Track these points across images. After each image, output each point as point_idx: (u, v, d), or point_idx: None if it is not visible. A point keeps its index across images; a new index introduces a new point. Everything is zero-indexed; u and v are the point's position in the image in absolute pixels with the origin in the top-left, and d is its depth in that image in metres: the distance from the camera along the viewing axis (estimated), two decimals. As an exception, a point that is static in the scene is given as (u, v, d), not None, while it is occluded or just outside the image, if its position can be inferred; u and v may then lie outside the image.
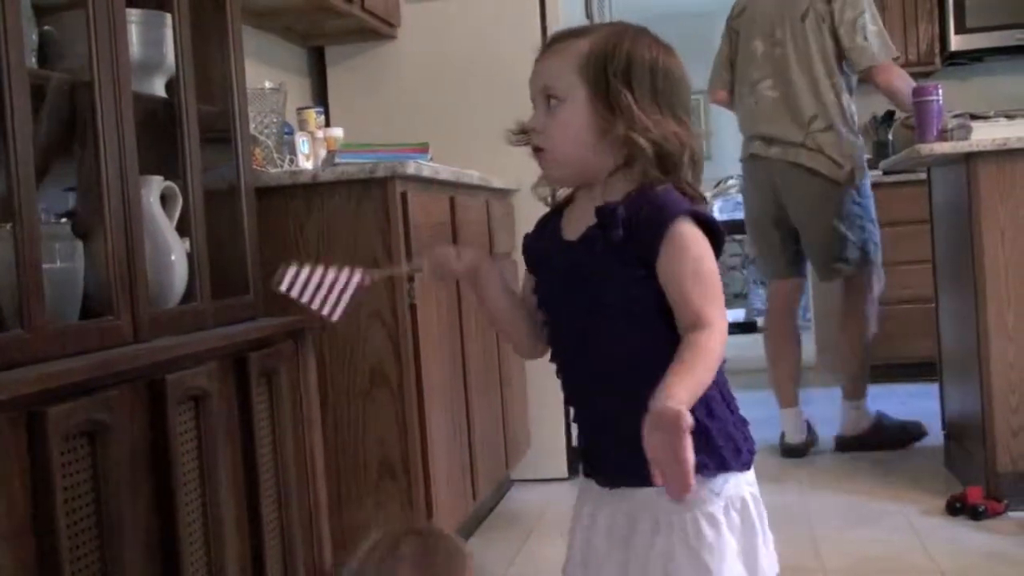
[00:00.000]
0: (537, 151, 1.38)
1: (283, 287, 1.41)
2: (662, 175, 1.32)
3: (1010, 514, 2.82)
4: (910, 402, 3.94)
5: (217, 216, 2.07)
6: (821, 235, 3.65)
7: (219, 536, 1.79)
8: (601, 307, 1.32)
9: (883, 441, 3.70)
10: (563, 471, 3.51)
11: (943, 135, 3.08)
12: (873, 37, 3.53)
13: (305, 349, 2.19)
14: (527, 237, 1.48)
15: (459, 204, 2.70)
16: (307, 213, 2.32)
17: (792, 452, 3.72)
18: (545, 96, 1.35)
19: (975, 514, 2.83)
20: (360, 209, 2.29)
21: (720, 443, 1.34)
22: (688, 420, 1.15)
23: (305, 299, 1.41)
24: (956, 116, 3.12)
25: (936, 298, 3.49)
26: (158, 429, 1.66)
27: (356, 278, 1.41)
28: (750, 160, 3.75)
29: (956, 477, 3.25)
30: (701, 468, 1.24)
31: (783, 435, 3.75)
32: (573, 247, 1.36)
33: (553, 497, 3.37)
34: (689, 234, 1.29)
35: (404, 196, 2.32)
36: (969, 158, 2.86)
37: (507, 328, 1.47)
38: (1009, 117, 3.02)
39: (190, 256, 1.97)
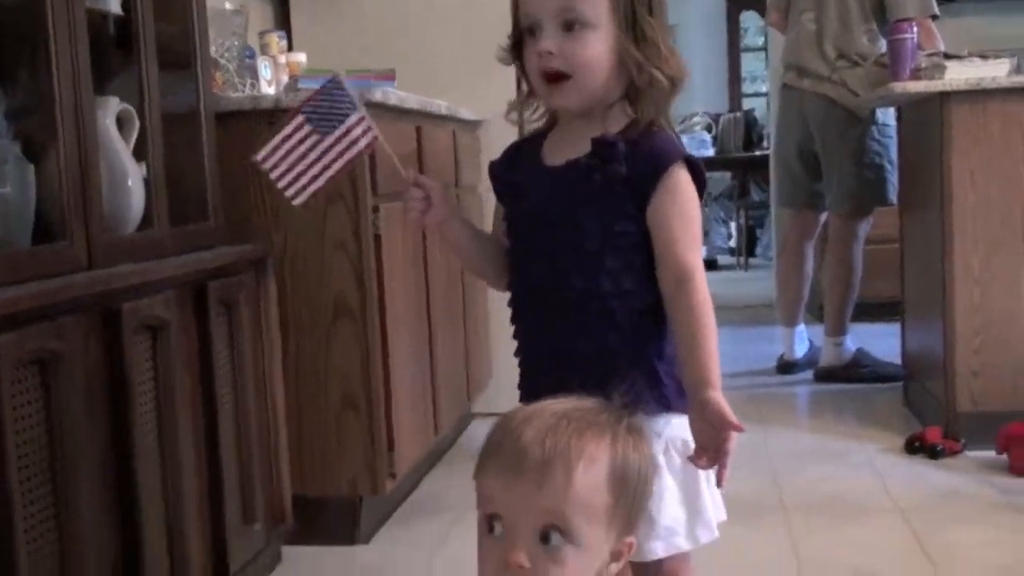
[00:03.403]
0: (556, 77, 1.29)
1: (259, 156, 1.35)
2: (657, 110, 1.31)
3: (967, 453, 2.84)
4: (870, 341, 3.96)
5: (175, 141, 2.00)
6: (839, 167, 3.71)
7: (176, 470, 1.76)
8: (582, 236, 1.29)
9: (860, 376, 3.79)
10: (525, 405, 3.49)
11: (916, 74, 3.05)
12: None
13: (266, 279, 2.14)
14: (494, 165, 1.44)
15: (426, 134, 2.64)
16: (269, 139, 2.24)
17: (786, 368, 3.99)
18: (562, 19, 1.27)
19: (933, 453, 2.85)
20: (324, 136, 2.22)
21: (665, 382, 1.32)
22: (736, 422, 1.20)
23: (275, 175, 1.35)
24: (930, 55, 3.09)
25: (901, 239, 3.49)
26: (114, 359, 1.61)
27: (358, 146, 1.35)
28: (784, 89, 3.91)
29: (914, 416, 3.28)
30: (644, 406, 1.25)
31: (782, 354, 4.03)
32: (558, 173, 1.33)
33: (515, 431, 3.36)
34: (684, 180, 1.30)
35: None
36: (942, 97, 2.83)
37: (480, 268, 1.44)
38: (983, 57, 2.98)
39: (147, 181, 1.91)
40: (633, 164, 1.28)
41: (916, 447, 2.90)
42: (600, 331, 1.30)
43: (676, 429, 1.31)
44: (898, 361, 3.63)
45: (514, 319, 1.39)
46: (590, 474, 0.95)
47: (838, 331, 3.86)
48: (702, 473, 1.32)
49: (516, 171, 1.39)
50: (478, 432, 3.32)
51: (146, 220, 1.90)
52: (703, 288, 1.27)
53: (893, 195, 3.67)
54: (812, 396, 3.74)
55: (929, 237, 3.07)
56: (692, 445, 1.31)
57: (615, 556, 0.99)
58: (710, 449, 1.25)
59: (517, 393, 3.67)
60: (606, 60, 1.29)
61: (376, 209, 2.28)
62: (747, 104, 8.60)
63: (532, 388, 1.36)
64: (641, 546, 1.25)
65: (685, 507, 1.31)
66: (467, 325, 3.09)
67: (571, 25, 1.27)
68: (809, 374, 3.93)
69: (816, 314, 4.34)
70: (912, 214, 3.36)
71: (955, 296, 2.86)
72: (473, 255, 1.44)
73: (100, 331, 1.59)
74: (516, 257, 1.39)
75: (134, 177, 1.88)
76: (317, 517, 2.30)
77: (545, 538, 0.94)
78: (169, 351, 1.75)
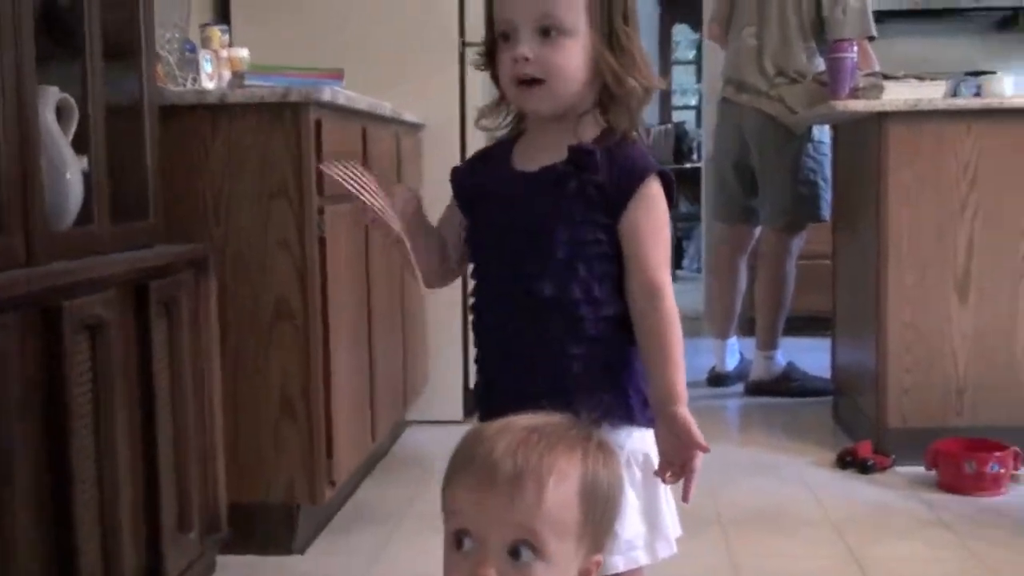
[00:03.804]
0: (531, 82, 1.28)
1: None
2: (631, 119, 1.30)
3: (897, 469, 2.89)
4: (799, 355, 4.01)
5: (117, 134, 1.93)
6: (775, 182, 3.76)
7: (113, 473, 1.70)
8: (552, 243, 1.27)
9: (790, 390, 3.84)
10: (459, 414, 3.47)
11: (855, 93, 3.10)
12: (852, 12, 3.60)
13: (206, 278, 2.09)
14: (458, 170, 1.42)
15: (371, 135, 2.60)
16: (213, 135, 2.19)
17: (717, 380, 4.02)
18: (540, 25, 1.26)
19: (864, 468, 2.89)
20: (271, 134, 2.17)
21: (631, 394, 1.32)
22: (702, 441, 1.23)
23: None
24: (868, 75, 3.14)
25: (834, 255, 3.54)
26: (52, 359, 1.54)
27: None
28: (722, 103, 3.92)
29: (843, 431, 3.32)
30: (608, 418, 1.23)
31: (713, 366, 4.06)
32: (531, 178, 1.31)
33: (449, 440, 3.31)
34: (657, 194, 1.29)
35: (319, 124, 2.21)
36: (880, 117, 2.88)
37: (419, 260, 1.38)
38: (919, 79, 3.04)
39: (87, 175, 1.84)
40: (608, 174, 1.27)
41: (847, 461, 2.94)
42: (567, 340, 1.29)
43: (638, 442, 1.31)
44: (827, 375, 3.69)
45: (476, 327, 1.37)
46: (560, 490, 0.93)
47: (769, 345, 3.90)
48: (662, 488, 1.32)
49: (482, 177, 1.36)
50: (413, 440, 3.29)
51: (84, 215, 1.83)
52: (671, 303, 1.28)
53: (826, 212, 3.72)
54: (743, 409, 3.78)
55: (862, 254, 3.11)
56: (654, 459, 1.31)
57: (583, 574, 0.97)
58: (675, 464, 1.25)
59: (451, 400, 3.66)
60: (582, 67, 1.28)
61: (321, 211, 2.23)
62: (677, 116, 8.68)
63: (493, 397, 1.34)
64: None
65: (645, 521, 1.30)
66: (405, 330, 3.05)
67: (548, 31, 1.26)
68: (740, 387, 3.96)
69: (746, 327, 4.38)
70: (845, 231, 3.41)
71: (887, 313, 2.91)
72: (423, 243, 1.38)
73: (39, 330, 1.52)
74: (480, 264, 1.36)
75: (73, 170, 1.81)
76: (253, 525, 2.24)
77: (515, 553, 0.92)
78: (108, 352, 1.68)
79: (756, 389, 3.88)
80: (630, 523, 1.28)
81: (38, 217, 1.61)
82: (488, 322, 1.36)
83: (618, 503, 1.00)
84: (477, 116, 1.40)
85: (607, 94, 1.30)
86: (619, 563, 1.28)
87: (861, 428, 3.12)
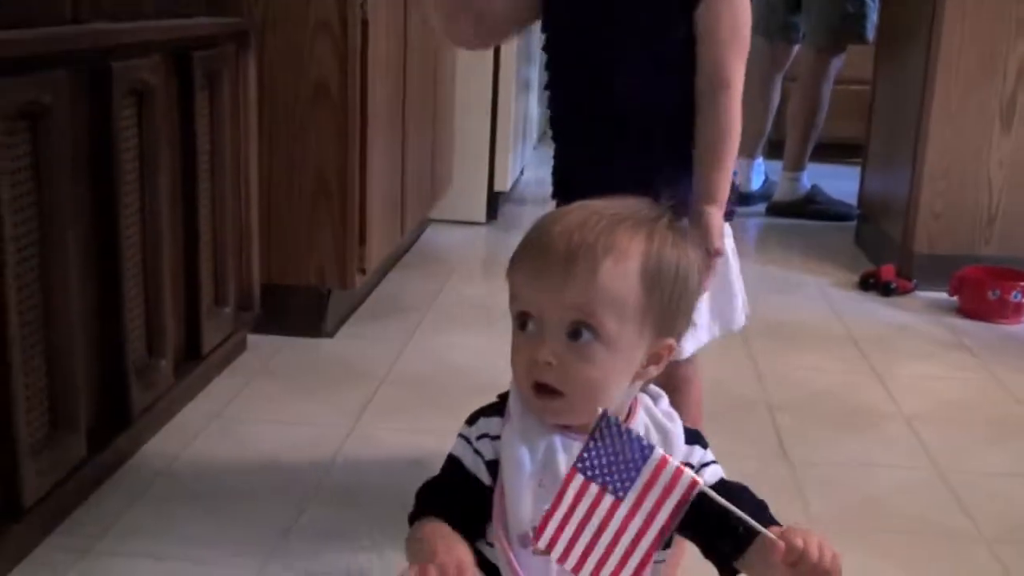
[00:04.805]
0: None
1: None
2: None
3: (917, 293, 2.90)
4: (824, 181, 3.98)
5: None
6: (820, 0, 3.63)
7: (157, 239, 1.70)
8: (633, 31, 1.24)
9: (813, 212, 3.82)
10: (482, 216, 3.46)
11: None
12: None
13: (248, 54, 2.04)
14: None
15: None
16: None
17: (740, 199, 3.93)
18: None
19: (886, 290, 2.90)
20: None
21: None
22: (715, 244, 1.21)
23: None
24: None
25: (874, 79, 3.45)
26: (101, 120, 1.52)
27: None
28: None
29: (865, 255, 3.32)
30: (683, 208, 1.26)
31: (738, 184, 3.95)
32: None
33: (471, 240, 3.34)
34: None
35: None
36: (940, -68, 2.76)
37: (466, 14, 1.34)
38: None
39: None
40: None
41: (869, 284, 2.96)
42: (641, 143, 1.27)
43: None
44: (850, 202, 3.66)
45: (554, 128, 1.36)
46: (619, 268, 0.89)
47: (796, 166, 3.86)
48: (735, 268, 1.31)
49: None
50: (435, 238, 3.29)
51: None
52: (736, 104, 1.24)
53: (871, 32, 3.61)
54: (764, 229, 3.77)
55: (906, 75, 3.04)
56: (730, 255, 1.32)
57: (653, 359, 0.94)
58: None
59: (475, 202, 3.65)
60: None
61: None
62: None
63: (571, 197, 1.33)
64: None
65: (713, 306, 1.31)
66: (436, 128, 3.01)
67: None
68: (762, 207, 3.95)
69: (775, 150, 4.33)
70: (891, 52, 3.31)
71: (929, 135, 2.86)
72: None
73: (88, 89, 1.49)
74: (556, 69, 1.33)
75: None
76: (284, 307, 2.26)
77: (575, 335, 0.89)
78: (154, 118, 1.65)
79: (779, 210, 3.87)
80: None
81: (84, -28, 1.55)
82: (563, 127, 1.34)
83: (691, 287, 0.95)
84: None
85: None
86: (688, 347, 1.30)
87: (885, 253, 3.11)
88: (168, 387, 1.78)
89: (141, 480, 1.64)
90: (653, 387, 0.99)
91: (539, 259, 0.90)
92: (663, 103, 1.27)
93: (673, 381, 1.27)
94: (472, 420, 0.96)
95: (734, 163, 1.27)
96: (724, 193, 1.24)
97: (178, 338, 1.84)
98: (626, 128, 1.28)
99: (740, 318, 1.37)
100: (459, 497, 0.93)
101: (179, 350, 1.85)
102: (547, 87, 1.37)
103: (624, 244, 0.90)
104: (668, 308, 0.93)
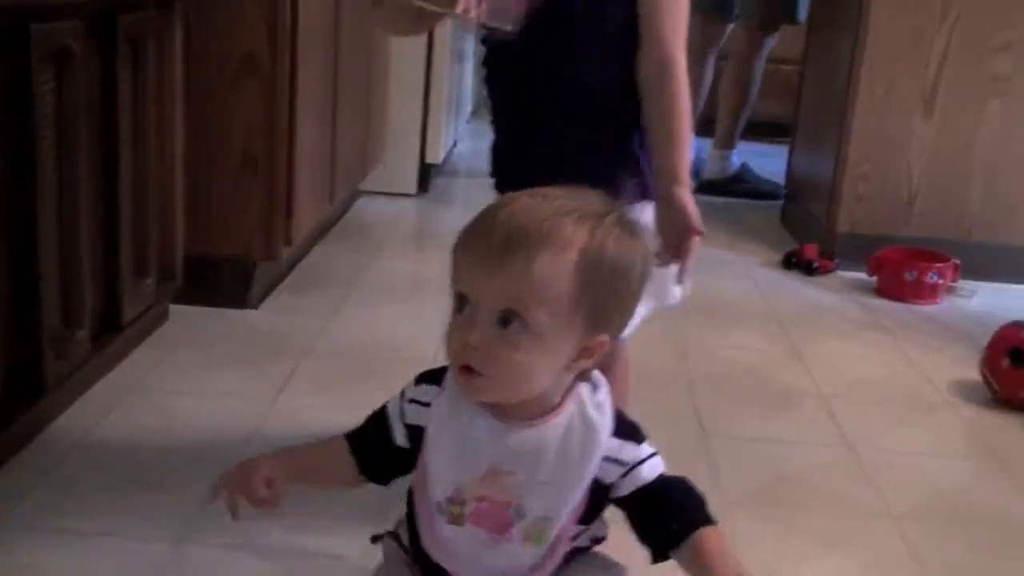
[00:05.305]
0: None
1: None
2: None
3: (839, 273, 2.96)
4: (753, 159, 4.02)
5: None
6: None
7: (74, 209, 1.66)
8: (570, 19, 1.24)
9: (741, 191, 3.87)
10: (412, 187, 3.45)
11: None
12: None
13: (173, 20, 2.00)
14: None
15: None
16: None
17: None
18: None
19: (808, 269, 2.96)
20: None
21: (645, 171, 1.31)
22: (699, 225, 1.22)
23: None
24: None
25: (804, 60, 3.50)
26: (17, 85, 1.48)
27: None
28: None
29: (791, 235, 3.38)
30: (626, 193, 1.26)
31: None
32: None
33: (401, 212, 3.33)
34: None
35: None
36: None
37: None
38: None
39: None
40: None
41: (792, 262, 3.01)
42: (585, 117, 1.28)
43: (649, 218, 1.30)
44: (778, 181, 3.72)
45: (493, 103, 1.35)
46: (555, 261, 0.89)
47: (727, 144, 3.91)
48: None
49: None
50: (365, 209, 3.28)
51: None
52: (683, 82, 1.25)
53: (803, 13, 3.66)
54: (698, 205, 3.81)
55: (835, 58, 3.09)
56: None
57: (584, 352, 0.93)
58: (672, 246, 1.25)
59: (406, 174, 3.63)
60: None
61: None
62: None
63: (510, 176, 1.34)
64: None
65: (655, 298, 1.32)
66: (369, 99, 2.98)
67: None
68: (692, 184, 3.97)
69: (705, 127, 4.36)
70: (821, 35, 3.36)
71: (854, 119, 2.91)
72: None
73: (4, 54, 1.45)
74: (493, 48, 1.33)
75: None
76: (208, 278, 2.24)
77: (504, 322, 0.89)
78: (74, 84, 1.62)
79: (708, 187, 3.90)
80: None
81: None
82: (503, 105, 1.34)
83: (631, 284, 0.94)
84: None
85: None
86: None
87: (809, 233, 3.17)
88: (85, 358, 1.75)
89: (54, 454, 1.62)
90: (596, 374, 0.99)
91: (480, 244, 0.91)
92: (606, 84, 1.27)
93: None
94: (417, 381, 1.01)
95: (689, 143, 1.28)
96: (687, 174, 1.25)
97: (97, 309, 1.81)
98: (568, 110, 1.28)
99: (675, 294, 1.37)
100: (368, 442, 1.03)
101: (98, 321, 1.82)
102: (484, 64, 1.36)
103: (565, 237, 0.90)
104: (604, 304, 0.92)
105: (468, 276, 0.91)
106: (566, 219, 0.91)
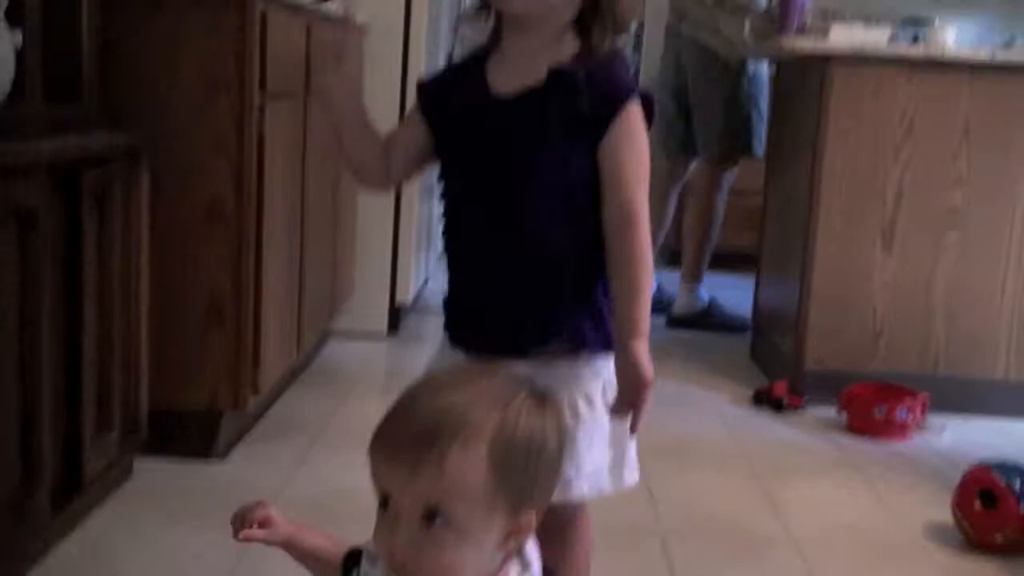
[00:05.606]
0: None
1: None
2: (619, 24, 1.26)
3: (809, 410, 2.96)
4: (721, 292, 4.05)
5: (52, 8, 1.83)
6: (710, 112, 3.76)
7: (36, 368, 1.63)
8: (534, 173, 1.24)
9: (711, 325, 3.89)
10: (383, 327, 3.44)
11: (802, 28, 3.09)
12: None
13: (140, 171, 2.00)
14: (425, 86, 1.36)
15: (315, 35, 2.51)
16: (154, 18, 2.08)
17: None
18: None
19: (778, 406, 2.95)
20: (215, 23, 2.07)
21: (609, 323, 1.30)
22: (647, 378, 1.23)
23: None
24: (817, 15, 3.14)
25: (765, 193, 3.56)
26: (-21, 246, 1.47)
27: None
28: (666, 32, 3.91)
29: (760, 369, 3.38)
30: (589, 345, 1.28)
31: None
32: (508, 106, 1.25)
33: (371, 355, 3.30)
34: (638, 117, 1.25)
35: (264, 17, 2.12)
36: (826, 59, 2.88)
37: (355, 155, 1.35)
38: (866, 22, 3.05)
39: (19, 52, 1.74)
40: (589, 96, 1.22)
41: (762, 399, 3.00)
42: (549, 269, 1.27)
43: (612, 371, 1.29)
44: (746, 313, 3.74)
45: (450, 254, 1.34)
46: (465, 454, 0.88)
47: (694, 277, 3.94)
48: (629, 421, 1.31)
49: (455, 96, 1.30)
50: (335, 352, 3.25)
51: (16, 93, 1.73)
52: (646, 234, 1.25)
53: (760, 147, 3.74)
54: (662, 341, 3.79)
55: (793, 194, 3.14)
56: None
57: (512, 533, 0.92)
58: (626, 396, 1.24)
59: (376, 313, 3.61)
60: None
61: (262, 109, 2.16)
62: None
63: (464, 325, 1.32)
64: (569, 484, 1.23)
65: (613, 448, 1.30)
66: (336, 240, 2.99)
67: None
68: (661, 319, 4.00)
69: (670, 260, 4.40)
70: (779, 168, 3.43)
71: (815, 256, 2.94)
72: (359, 138, 1.34)
73: (-34, 214, 1.45)
74: (453, 189, 1.32)
75: (4, 44, 1.71)
76: (174, 430, 2.19)
77: (429, 517, 0.88)
78: (37, 242, 1.61)
79: (678, 322, 3.92)
80: (599, 450, 1.28)
81: (-30, 94, 1.52)
82: (463, 253, 1.33)
83: (547, 457, 0.93)
84: (455, 23, 1.34)
85: (590, 3, 1.24)
86: (584, 488, 1.28)
87: (778, 367, 3.17)
88: (44, 523, 1.70)
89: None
90: (527, 551, 0.97)
91: (391, 445, 0.90)
92: (566, 241, 1.27)
93: (559, 522, 1.26)
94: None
95: (651, 289, 1.28)
96: (646, 324, 1.24)
97: (57, 467, 1.77)
98: (526, 267, 1.27)
99: (633, 475, 1.35)
100: None
101: (58, 479, 1.77)
102: (444, 215, 1.35)
103: (474, 426, 0.89)
104: (522, 486, 0.91)
105: (386, 479, 0.90)
106: (475, 408, 0.90)
